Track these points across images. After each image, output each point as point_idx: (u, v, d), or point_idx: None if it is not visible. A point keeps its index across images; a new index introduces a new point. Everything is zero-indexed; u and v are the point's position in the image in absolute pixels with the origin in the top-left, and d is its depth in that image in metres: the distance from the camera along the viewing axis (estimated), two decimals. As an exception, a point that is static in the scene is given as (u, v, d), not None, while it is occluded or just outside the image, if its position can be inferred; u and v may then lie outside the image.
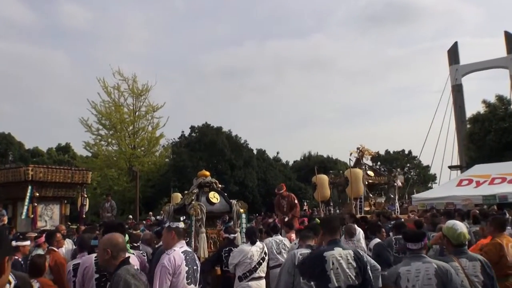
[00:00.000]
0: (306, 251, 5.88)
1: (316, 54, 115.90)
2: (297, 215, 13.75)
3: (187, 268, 5.00)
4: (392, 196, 20.11)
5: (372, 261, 5.94)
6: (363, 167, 19.84)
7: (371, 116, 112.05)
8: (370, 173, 20.30)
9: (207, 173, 9.39)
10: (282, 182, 17.64)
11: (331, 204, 21.69)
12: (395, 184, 19.95)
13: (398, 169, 68.52)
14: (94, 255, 4.81)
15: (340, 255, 4.60)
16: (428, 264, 4.50)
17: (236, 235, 8.06)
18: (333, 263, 4.58)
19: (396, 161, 71.15)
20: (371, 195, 19.51)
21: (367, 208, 18.05)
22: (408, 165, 70.33)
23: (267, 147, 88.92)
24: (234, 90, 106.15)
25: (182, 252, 5.06)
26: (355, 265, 4.56)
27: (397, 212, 19.20)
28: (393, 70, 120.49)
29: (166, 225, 5.24)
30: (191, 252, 5.27)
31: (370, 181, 19.83)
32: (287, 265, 5.86)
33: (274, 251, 8.59)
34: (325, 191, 18.96)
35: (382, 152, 72.46)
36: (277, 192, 14.33)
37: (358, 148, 20.14)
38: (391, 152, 72.19)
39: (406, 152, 71.89)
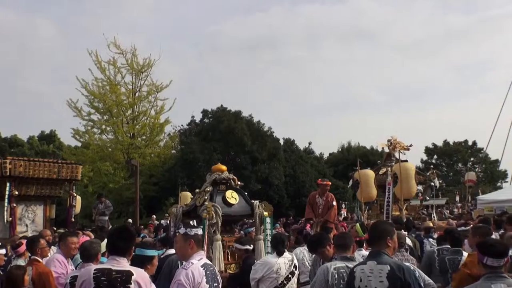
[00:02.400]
0: (341, 264, 5.79)
1: (360, 23, 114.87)
2: (332, 219, 13.74)
3: (207, 286, 4.95)
4: (428, 198, 20.09)
5: (427, 279, 5.90)
6: (392, 163, 19.79)
7: (427, 98, 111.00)
8: None
9: (223, 167, 9.37)
10: (315, 179, 17.57)
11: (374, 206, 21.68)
12: (432, 184, 19.92)
13: (459, 164, 68.32)
14: (94, 267, 4.84)
15: (371, 271, 4.58)
16: None
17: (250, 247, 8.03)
18: (361, 280, 4.61)
19: (457, 154, 70.62)
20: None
21: (396, 213, 17.95)
22: (472, 159, 69.77)
23: (297, 136, 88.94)
24: (256, 67, 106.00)
25: (201, 266, 5.00)
26: (387, 284, 4.48)
27: (433, 217, 19.37)
28: (455, 42, 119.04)
29: (182, 231, 5.21)
30: (211, 266, 5.21)
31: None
32: (318, 282, 5.78)
33: (306, 263, 8.57)
34: (370, 190, 18.88)
35: (439, 143, 72.03)
36: (320, 182, 14.37)
37: (389, 141, 20.11)
38: (451, 143, 71.57)
39: (470, 143, 71.23)
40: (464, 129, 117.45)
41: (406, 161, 19.60)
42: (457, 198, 44.55)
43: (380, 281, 4.49)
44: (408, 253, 8.84)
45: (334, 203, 13.99)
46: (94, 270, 4.72)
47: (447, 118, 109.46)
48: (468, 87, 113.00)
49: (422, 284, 4.97)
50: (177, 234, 5.33)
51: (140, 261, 5.33)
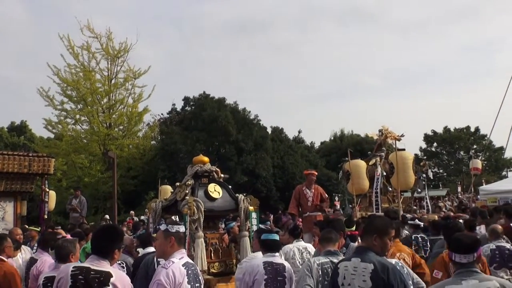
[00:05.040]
0: (325, 259, 5.90)
1: (357, 1, 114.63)
2: (327, 211, 14.02)
3: (189, 286, 4.99)
4: (420, 190, 20.29)
5: (416, 277, 5.93)
6: (382, 153, 19.94)
7: (427, 83, 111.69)
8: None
9: (206, 159, 9.34)
10: (305, 170, 17.77)
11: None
12: (424, 175, 20.12)
13: (461, 152, 68.39)
14: (73, 264, 4.92)
15: (355, 268, 4.60)
16: (487, 282, 4.39)
17: None
18: (344, 277, 4.66)
19: (459, 142, 70.81)
20: (390, 189, 19.58)
21: (385, 205, 18.11)
22: (474, 146, 69.93)
23: (285, 124, 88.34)
24: (242, 50, 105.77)
25: (182, 265, 5.04)
26: (370, 284, 4.50)
27: (429, 210, 20.16)
28: (460, 22, 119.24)
29: (163, 227, 5.25)
30: (193, 265, 5.26)
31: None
32: (302, 279, 5.81)
33: (297, 261, 8.52)
34: (362, 182, 18.97)
35: (439, 130, 72.25)
36: (306, 172, 14.71)
37: (380, 131, 20.31)
38: (452, 129, 71.80)
39: (472, 129, 71.46)
40: (466, 114, 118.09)
41: (404, 149, 19.68)
42: (459, 189, 44.70)
43: (363, 280, 4.51)
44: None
45: (326, 195, 14.34)
46: (73, 267, 4.78)
47: (448, 103, 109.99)
48: (472, 70, 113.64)
49: (410, 282, 5.03)
50: (158, 230, 5.37)
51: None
